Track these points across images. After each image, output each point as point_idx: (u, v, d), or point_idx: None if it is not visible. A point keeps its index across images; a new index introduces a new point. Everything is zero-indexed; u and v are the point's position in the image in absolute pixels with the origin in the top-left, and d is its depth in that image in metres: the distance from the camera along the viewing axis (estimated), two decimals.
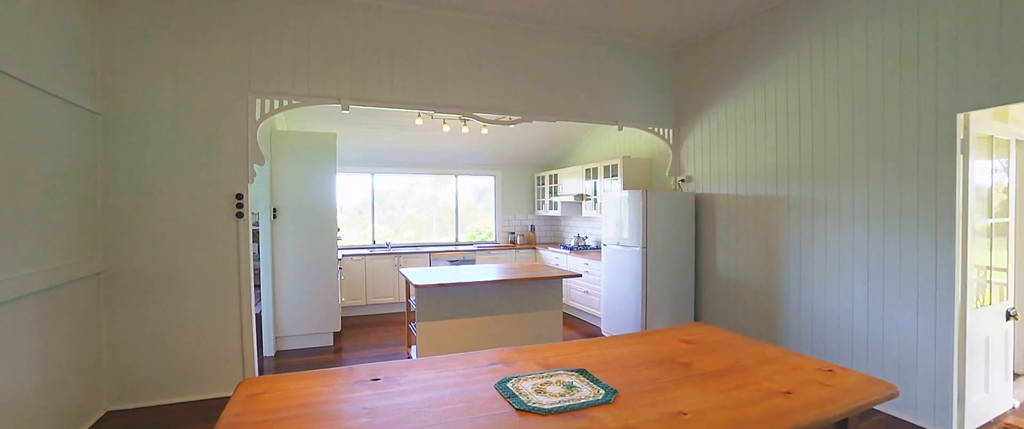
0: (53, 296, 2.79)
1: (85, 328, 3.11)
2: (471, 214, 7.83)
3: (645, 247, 4.78)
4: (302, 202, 4.79)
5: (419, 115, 5.62)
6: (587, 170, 6.33)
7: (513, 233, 7.75)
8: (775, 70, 4.18)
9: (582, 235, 6.91)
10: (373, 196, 7.18)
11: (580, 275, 4.25)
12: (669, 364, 2.19)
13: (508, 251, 7.18)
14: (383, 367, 1.97)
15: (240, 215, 3.58)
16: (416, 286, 3.59)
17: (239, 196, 3.58)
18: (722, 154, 4.79)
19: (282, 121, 5.35)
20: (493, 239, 7.85)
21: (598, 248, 6.64)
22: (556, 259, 6.59)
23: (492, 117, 4.42)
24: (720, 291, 4.84)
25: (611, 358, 2.23)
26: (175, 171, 3.46)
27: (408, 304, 4.41)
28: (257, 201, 4.74)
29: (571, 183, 6.76)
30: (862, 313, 3.56)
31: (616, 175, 5.78)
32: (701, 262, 5.05)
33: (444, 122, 5.87)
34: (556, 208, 7.22)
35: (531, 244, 7.61)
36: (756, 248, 4.43)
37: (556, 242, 7.85)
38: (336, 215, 4.96)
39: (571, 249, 6.48)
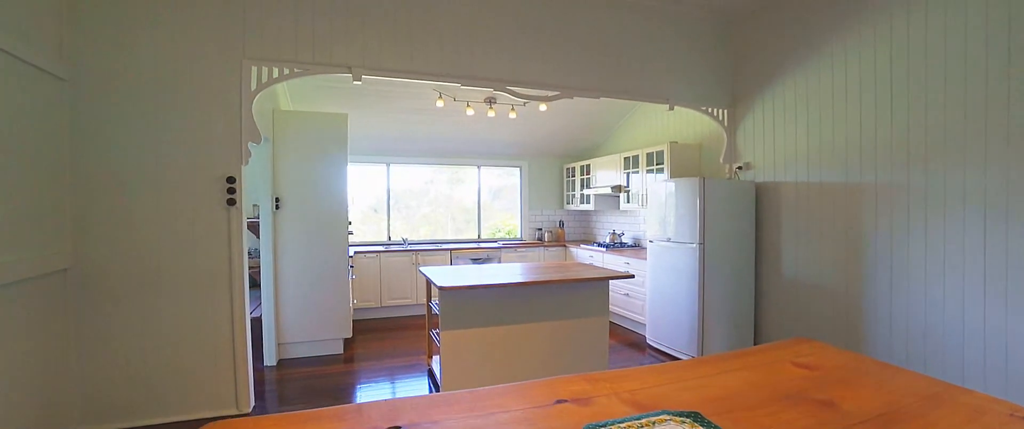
0: (6, 296, 2.24)
1: (47, 335, 2.57)
2: (487, 213, 7.23)
3: (702, 244, 4.13)
4: (309, 191, 4.23)
5: (440, 96, 5.04)
6: (626, 159, 5.69)
7: (540, 229, 7.13)
8: (860, 36, 3.51)
9: (618, 231, 6.26)
10: (389, 187, 6.62)
11: (632, 276, 3.62)
12: (805, 403, 1.55)
13: (535, 249, 6.57)
14: (405, 407, 1.37)
15: (232, 202, 3.02)
16: (440, 288, 2.99)
17: (231, 180, 3.02)
18: (788, 136, 4.12)
19: (286, 99, 4.79)
20: (518, 236, 7.24)
21: (636, 246, 6.00)
22: (590, 257, 5.95)
23: (528, 93, 3.81)
24: (786, 295, 4.18)
25: (719, 391, 1.61)
26: (156, 149, 2.91)
27: (429, 308, 3.82)
28: (257, 189, 4.19)
29: (606, 174, 6.12)
30: (976, 326, 2.88)
31: (661, 163, 5.13)
32: (762, 261, 4.39)
33: (467, 105, 5.28)
34: (588, 202, 6.57)
35: (560, 241, 6.99)
36: (833, 244, 3.76)
37: (587, 239, 7.22)
38: (347, 206, 4.39)
39: (607, 246, 5.84)
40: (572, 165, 7.05)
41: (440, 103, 5.08)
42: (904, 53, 3.24)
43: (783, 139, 4.19)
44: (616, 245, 5.93)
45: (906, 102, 3.23)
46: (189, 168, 2.97)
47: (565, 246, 6.70)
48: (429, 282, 3.52)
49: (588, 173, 6.57)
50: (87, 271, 2.80)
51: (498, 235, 7.20)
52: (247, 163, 3.07)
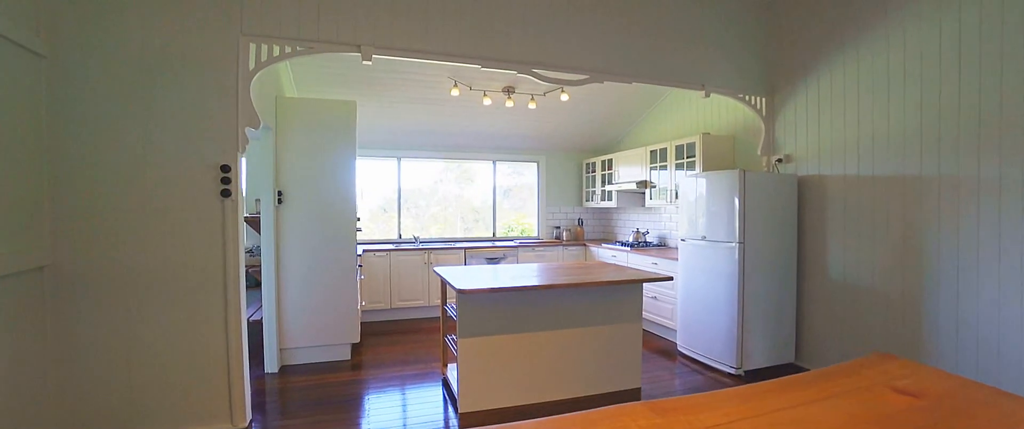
0: None
1: (22, 340, 2.26)
2: (497, 212, 6.88)
3: (742, 243, 3.77)
4: (314, 184, 3.91)
5: (456, 84, 4.72)
6: (652, 152, 5.32)
7: (558, 227, 6.78)
8: (919, 9, 3.14)
9: (642, 230, 5.89)
10: (399, 183, 6.30)
11: (670, 278, 3.26)
12: None
13: (554, 248, 6.22)
14: None
15: (227, 193, 2.71)
16: (458, 291, 2.66)
17: (226, 169, 2.70)
18: (836, 124, 3.76)
19: (291, 85, 4.49)
20: (535, 234, 6.89)
21: (662, 245, 5.63)
22: (613, 257, 5.59)
23: (555, 76, 3.47)
24: (831, 300, 3.81)
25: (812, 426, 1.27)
26: (142, 134, 2.60)
27: (444, 312, 3.50)
28: (258, 182, 3.89)
29: (630, 169, 5.76)
30: None
31: (692, 156, 4.76)
32: (805, 262, 4.02)
33: (484, 94, 4.95)
34: (609, 198, 6.21)
35: (579, 240, 6.64)
36: (887, 243, 3.39)
37: (608, 238, 6.86)
38: (355, 200, 4.08)
39: (631, 246, 5.48)
40: (592, 160, 6.69)
41: (455, 92, 4.75)
42: (975, 24, 2.86)
43: (829, 128, 3.82)
44: (640, 244, 5.57)
45: (977, 80, 2.86)
46: (179, 155, 2.66)
47: (585, 245, 6.34)
48: (444, 283, 3.20)
49: (609, 168, 6.21)
50: (66, 269, 2.50)
51: (510, 234, 6.86)
52: (244, 151, 2.76)
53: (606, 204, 6.32)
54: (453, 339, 3.14)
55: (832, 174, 3.81)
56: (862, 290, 3.57)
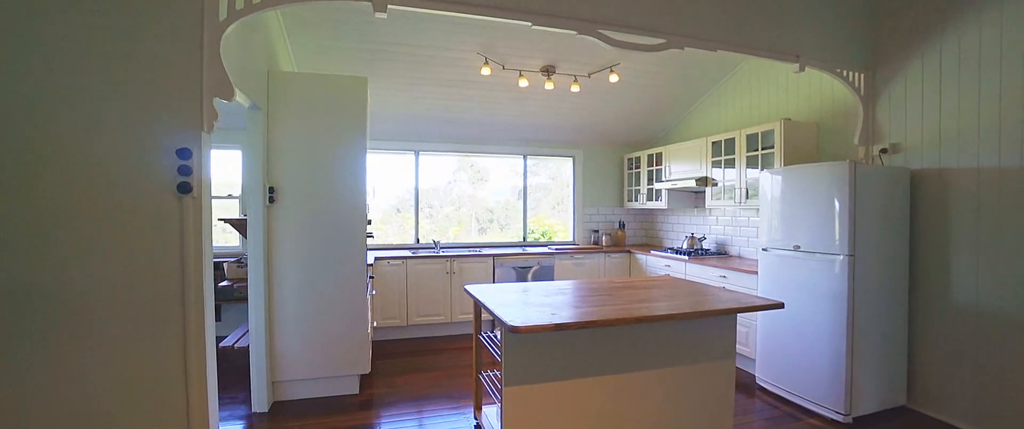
0: None
1: None
2: (512, 214, 6.09)
3: (851, 255, 2.95)
4: (315, 178, 3.17)
5: (487, 62, 3.95)
6: (714, 144, 4.50)
7: (597, 231, 5.96)
8: None
9: (698, 235, 5.07)
10: (417, 180, 5.54)
11: (781, 305, 2.45)
12: None
13: (594, 255, 5.41)
14: None
15: (186, 188, 1.96)
16: (509, 328, 1.86)
17: (185, 153, 1.96)
18: (965, 103, 2.98)
19: (289, 60, 3.74)
20: (569, 238, 6.09)
21: (721, 253, 4.81)
22: (667, 267, 4.78)
23: (625, 39, 2.68)
24: (956, 328, 3.01)
25: None
26: (70, 105, 1.87)
27: (478, 341, 2.72)
28: (246, 179, 3.13)
29: (683, 165, 4.94)
30: None
31: (769, 146, 3.95)
32: (919, 279, 3.22)
33: (520, 74, 4.17)
34: (658, 198, 5.39)
35: (620, 245, 5.83)
36: None
37: (652, 243, 6.04)
38: (366, 199, 3.33)
39: (687, 253, 4.66)
40: (635, 155, 5.87)
41: (486, 71, 3.98)
42: None
43: (954, 108, 3.01)
44: (697, 252, 4.74)
45: None
46: (124, 138, 1.91)
47: (629, 252, 5.53)
48: (482, 307, 2.41)
49: (658, 163, 5.39)
50: None
51: (531, 237, 6.04)
52: (212, 129, 2.01)
53: (653, 205, 5.50)
54: (493, 379, 2.37)
55: (959, 167, 2.99)
56: (1002, 317, 2.75)
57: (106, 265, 1.90)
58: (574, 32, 2.53)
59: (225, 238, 4.78)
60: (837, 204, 3.01)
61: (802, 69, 3.26)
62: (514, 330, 1.81)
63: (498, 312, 2.01)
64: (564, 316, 1.99)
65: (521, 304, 2.22)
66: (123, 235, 1.92)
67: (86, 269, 1.88)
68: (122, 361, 1.93)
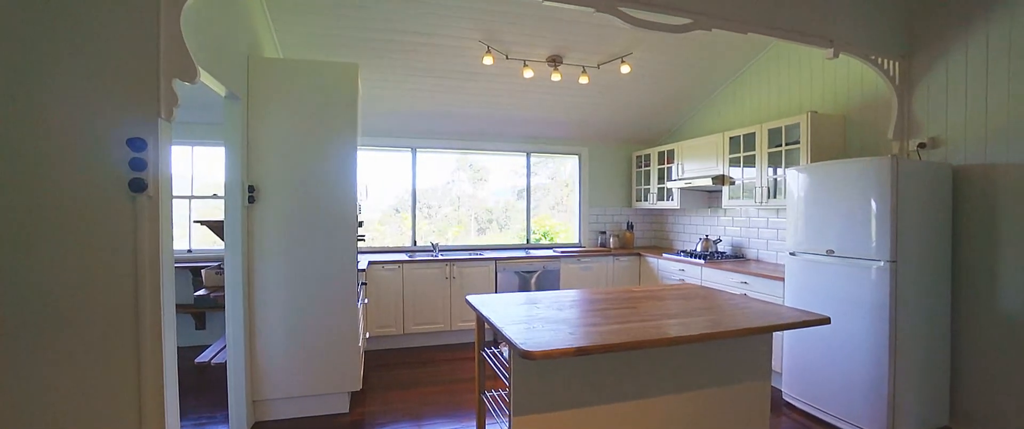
0: None
1: None
2: (512, 215, 5.80)
3: (894, 261, 2.67)
4: (299, 177, 2.87)
5: (489, 51, 3.66)
6: (732, 140, 4.22)
7: (604, 233, 5.67)
8: None
9: (713, 237, 4.78)
10: (414, 179, 5.24)
11: (827, 320, 2.15)
12: None
13: (602, 258, 5.11)
14: None
15: (140, 185, 1.66)
16: (523, 353, 1.56)
17: (138, 144, 1.66)
18: (1016, 92, 2.68)
19: (273, 46, 3.43)
20: (575, 240, 5.80)
21: (738, 256, 4.52)
22: (681, 271, 4.49)
23: (648, 18, 2.39)
24: (1005, 340, 2.73)
25: None
26: (2, 87, 1.57)
27: (480, 354, 2.42)
28: (226, 176, 2.86)
29: (697, 163, 4.65)
30: None
31: (793, 141, 3.66)
32: (964, 286, 2.93)
33: (525, 64, 3.88)
34: (670, 197, 5.10)
35: (628, 247, 5.54)
36: None
37: (662, 245, 5.75)
38: (356, 199, 3.03)
39: (702, 257, 4.37)
40: (645, 152, 5.57)
41: (488, 60, 3.69)
42: None
43: (1003, 97, 2.74)
44: (712, 255, 4.45)
45: None
46: (61, 122, 1.62)
47: (639, 255, 5.24)
48: (486, 322, 2.12)
49: (669, 161, 5.10)
50: None
51: (533, 238, 5.75)
52: (171, 116, 1.72)
53: (664, 205, 5.20)
54: (498, 400, 2.08)
55: (1009, 163, 2.70)
56: None
57: (58, 277, 1.61)
58: (591, 9, 2.23)
59: (212, 240, 4.47)
60: (874, 204, 2.73)
61: (836, 55, 2.98)
62: (528, 356, 1.51)
63: (507, 332, 1.71)
64: (583, 336, 1.70)
65: (531, 320, 1.92)
66: (67, 239, 1.62)
67: (38, 283, 1.59)
68: (70, 383, 1.64)
